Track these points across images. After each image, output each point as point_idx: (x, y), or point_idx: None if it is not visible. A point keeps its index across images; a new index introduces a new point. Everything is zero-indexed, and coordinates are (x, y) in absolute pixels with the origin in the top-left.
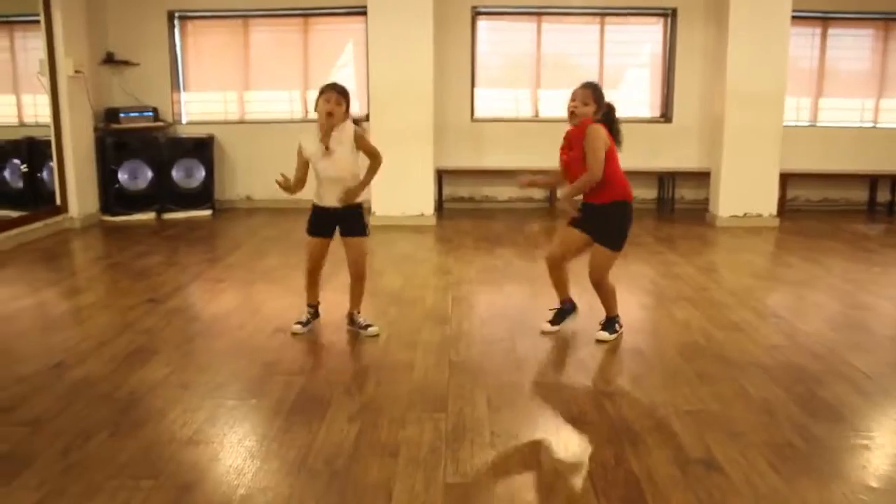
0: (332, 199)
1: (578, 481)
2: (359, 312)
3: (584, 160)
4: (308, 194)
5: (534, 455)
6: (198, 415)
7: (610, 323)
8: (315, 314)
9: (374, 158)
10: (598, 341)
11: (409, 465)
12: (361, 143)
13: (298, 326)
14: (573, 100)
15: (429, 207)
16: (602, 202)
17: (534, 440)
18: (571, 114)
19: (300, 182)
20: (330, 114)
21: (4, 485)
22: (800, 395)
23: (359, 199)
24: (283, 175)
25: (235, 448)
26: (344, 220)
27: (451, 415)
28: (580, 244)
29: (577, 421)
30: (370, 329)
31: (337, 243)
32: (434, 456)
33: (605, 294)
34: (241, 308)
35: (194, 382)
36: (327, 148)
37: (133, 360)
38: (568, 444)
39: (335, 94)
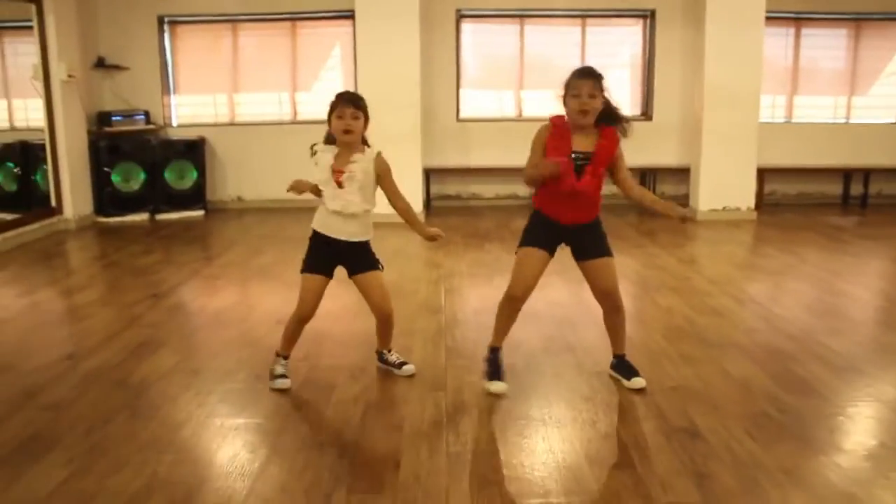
0: (339, 230)
1: (569, 448)
2: (389, 351)
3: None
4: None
5: (527, 425)
6: (211, 397)
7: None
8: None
9: (398, 201)
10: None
11: (414, 436)
12: (385, 182)
13: (286, 381)
14: (577, 96)
15: (417, 205)
16: (592, 219)
17: (528, 415)
18: (584, 112)
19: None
20: (348, 131)
21: (35, 462)
22: (775, 372)
23: (368, 237)
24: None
25: (249, 425)
26: (351, 256)
27: (449, 393)
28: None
29: (568, 397)
30: (405, 367)
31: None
32: (436, 429)
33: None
34: (240, 303)
35: (204, 369)
36: (340, 184)
37: (142, 350)
38: (560, 416)
39: (351, 107)
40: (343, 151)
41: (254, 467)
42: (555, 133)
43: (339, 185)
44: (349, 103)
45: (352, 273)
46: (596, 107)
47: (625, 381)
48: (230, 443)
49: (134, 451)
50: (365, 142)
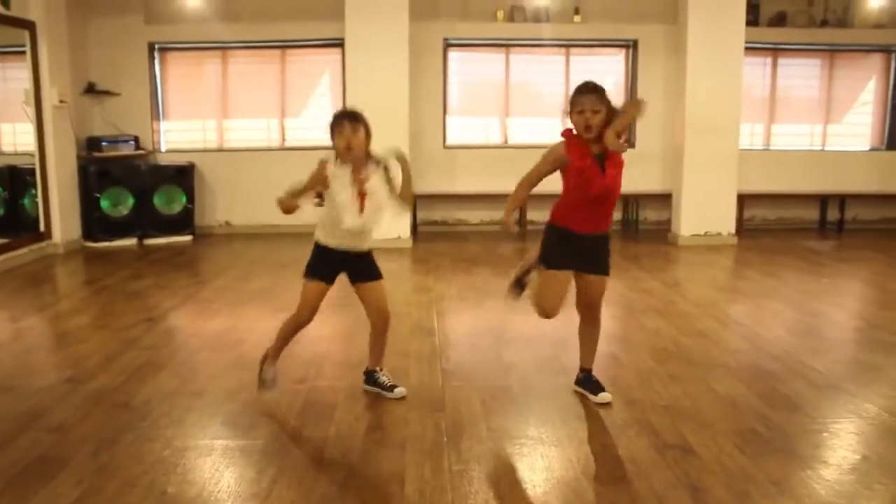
0: (349, 244)
1: (568, 465)
2: (381, 370)
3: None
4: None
5: (526, 444)
6: (214, 419)
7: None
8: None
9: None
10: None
11: (416, 455)
12: (390, 175)
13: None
14: (581, 112)
15: (405, 230)
16: (607, 230)
17: (526, 434)
18: (588, 127)
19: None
20: (349, 148)
21: (44, 483)
22: (761, 391)
23: (369, 245)
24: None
25: (254, 445)
26: (357, 264)
27: (448, 413)
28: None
29: (564, 416)
30: (397, 390)
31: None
32: (437, 449)
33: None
34: (236, 326)
35: (205, 391)
36: (362, 207)
37: (142, 373)
38: (557, 435)
39: (347, 122)
40: (354, 168)
41: (262, 486)
42: (571, 143)
43: (362, 207)
44: (346, 119)
45: (355, 280)
46: (599, 121)
47: (592, 397)
48: (236, 463)
49: (142, 472)
50: (369, 155)
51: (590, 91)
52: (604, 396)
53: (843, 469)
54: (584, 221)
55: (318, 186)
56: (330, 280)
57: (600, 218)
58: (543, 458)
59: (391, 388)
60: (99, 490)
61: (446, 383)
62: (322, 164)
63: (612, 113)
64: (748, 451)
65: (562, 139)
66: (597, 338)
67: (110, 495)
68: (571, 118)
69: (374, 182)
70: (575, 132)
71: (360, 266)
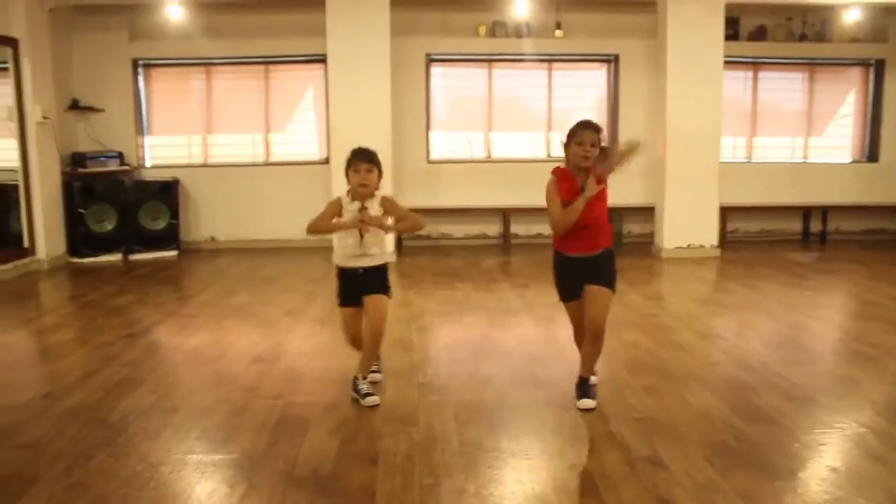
0: (359, 262)
1: (538, 479)
2: (364, 378)
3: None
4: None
5: (497, 457)
6: (190, 434)
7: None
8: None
9: (407, 219)
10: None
11: (388, 469)
12: (390, 207)
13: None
14: (580, 144)
15: (389, 245)
16: (605, 248)
17: (498, 448)
18: (586, 158)
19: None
20: (364, 185)
21: (14, 501)
22: (735, 403)
23: (383, 260)
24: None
25: (228, 460)
26: (369, 279)
27: (422, 427)
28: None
29: (537, 430)
30: (369, 399)
31: None
32: (409, 463)
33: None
34: (217, 341)
35: (183, 406)
36: (363, 224)
37: (121, 388)
38: (529, 449)
39: (364, 163)
40: (361, 203)
41: (233, 501)
42: (561, 178)
43: (362, 236)
44: (364, 160)
45: (364, 293)
46: (595, 154)
47: (576, 402)
48: (209, 478)
49: (114, 488)
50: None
51: (591, 127)
52: (584, 403)
53: (811, 481)
54: (574, 245)
55: (335, 216)
56: (358, 303)
57: (591, 240)
58: (514, 471)
59: (366, 395)
60: None
61: (422, 397)
62: (337, 199)
63: (602, 152)
64: (718, 463)
65: (552, 176)
66: (596, 352)
67: None
68: (569, 147)
69: (374, 212)
70: (563, 166)
71: (372, 280)
